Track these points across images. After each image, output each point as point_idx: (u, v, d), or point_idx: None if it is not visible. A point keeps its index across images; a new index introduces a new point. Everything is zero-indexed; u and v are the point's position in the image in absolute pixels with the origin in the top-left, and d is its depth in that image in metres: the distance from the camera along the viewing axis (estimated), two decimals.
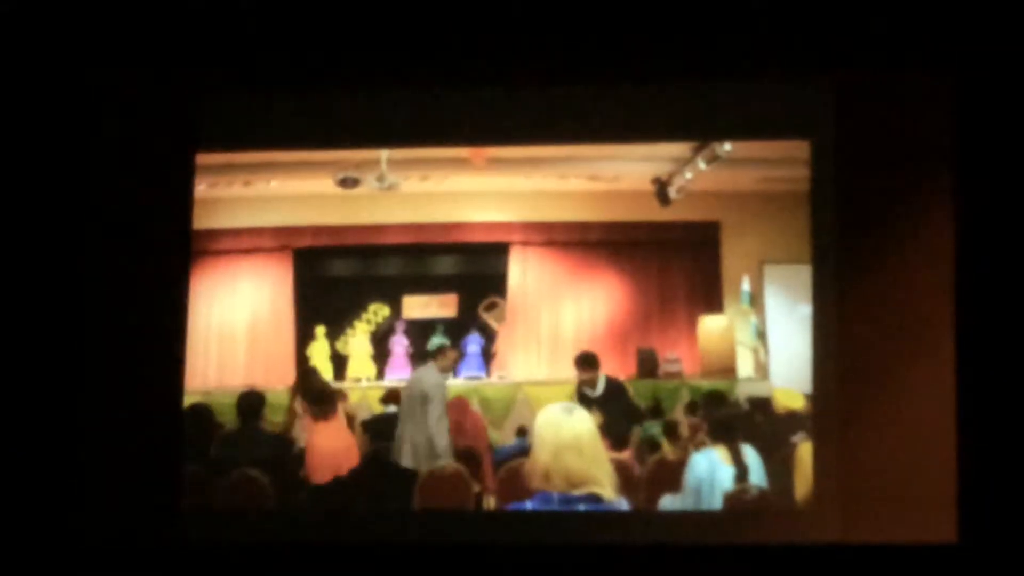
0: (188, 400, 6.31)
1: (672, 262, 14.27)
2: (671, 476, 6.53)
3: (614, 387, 8.87)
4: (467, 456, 8.16)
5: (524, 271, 14.29)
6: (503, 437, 11.05)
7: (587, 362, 8.91)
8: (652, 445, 8.15)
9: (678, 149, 11.07)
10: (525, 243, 14.15)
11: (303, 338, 13.82)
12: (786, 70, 5.77)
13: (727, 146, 9.94)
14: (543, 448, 3.65)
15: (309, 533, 6.01)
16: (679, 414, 9.98)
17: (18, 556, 5.39)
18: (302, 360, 13.44)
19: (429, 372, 8.57)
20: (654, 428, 8.67)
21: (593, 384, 8.78)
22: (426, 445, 8.00)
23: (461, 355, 9.00)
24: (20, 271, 5.61)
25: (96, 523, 5.55)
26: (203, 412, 7.82)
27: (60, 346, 5.60)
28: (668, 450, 8.01)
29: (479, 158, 11.18)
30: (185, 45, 5.76)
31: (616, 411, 8.41)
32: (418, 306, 14.24)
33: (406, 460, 8.03)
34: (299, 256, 14.06)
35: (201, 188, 6.35)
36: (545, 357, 14.10)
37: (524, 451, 5.41)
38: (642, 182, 12.33)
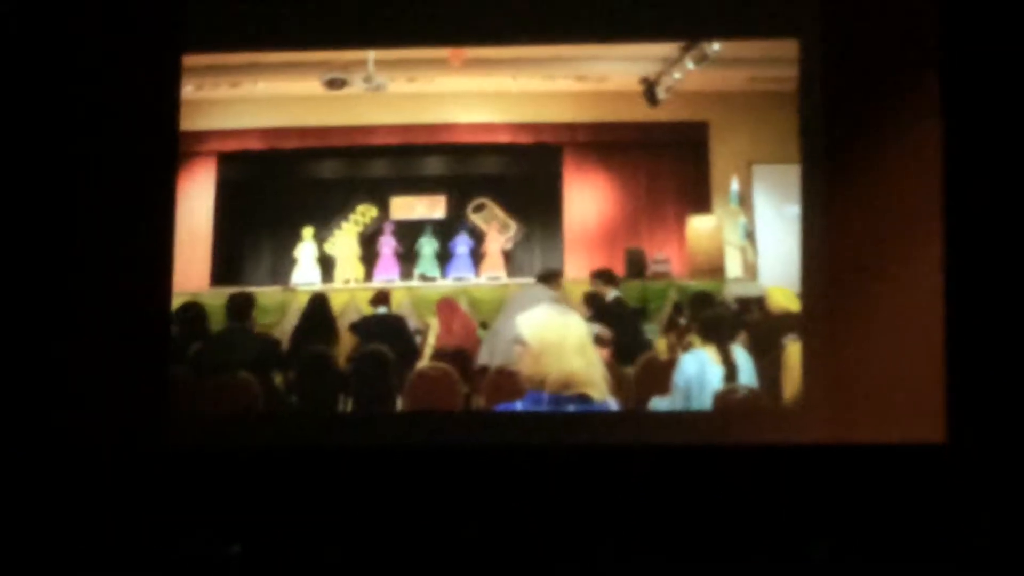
0: (177, 301, 6.31)
1: (660, 163, 14.17)
2: (661, 377, 6.54)
3: (628, 307, 8.93)
4: (456, 356, 8.18)
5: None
6: None
7: (606, 277, 9.01)
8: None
9: (666, 49, 10.95)
10: (513, 143, 14.04)
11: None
12: None
13: (715, 46, 9.86)
14: (547, 351, 3.65)
15: (297, 435, 6.05)
16: (667, 315, 10.00)
17: (3, 461, 5.43)
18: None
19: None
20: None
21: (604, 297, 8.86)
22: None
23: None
24: (9, 172, 5.59)
25: (83, 426, 5.57)
26: (196, 310, 7.78)
27: (49, 249, 5.60)
28: (660, 350, 8.03)
29: (457, 59, 11.07)
30: None
31: (630, 330, 8.43)
32: (406, 207, 14.20)
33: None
34: (284, 157, 13.96)
35: (188, 90, 6.28)
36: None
37: None
38: (630, 82, 12.21)
